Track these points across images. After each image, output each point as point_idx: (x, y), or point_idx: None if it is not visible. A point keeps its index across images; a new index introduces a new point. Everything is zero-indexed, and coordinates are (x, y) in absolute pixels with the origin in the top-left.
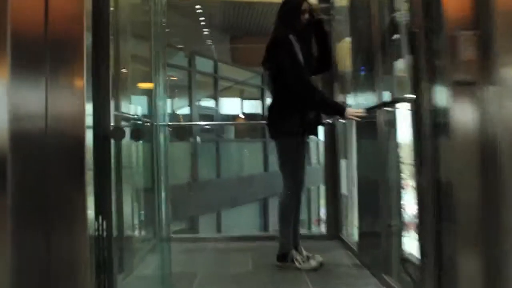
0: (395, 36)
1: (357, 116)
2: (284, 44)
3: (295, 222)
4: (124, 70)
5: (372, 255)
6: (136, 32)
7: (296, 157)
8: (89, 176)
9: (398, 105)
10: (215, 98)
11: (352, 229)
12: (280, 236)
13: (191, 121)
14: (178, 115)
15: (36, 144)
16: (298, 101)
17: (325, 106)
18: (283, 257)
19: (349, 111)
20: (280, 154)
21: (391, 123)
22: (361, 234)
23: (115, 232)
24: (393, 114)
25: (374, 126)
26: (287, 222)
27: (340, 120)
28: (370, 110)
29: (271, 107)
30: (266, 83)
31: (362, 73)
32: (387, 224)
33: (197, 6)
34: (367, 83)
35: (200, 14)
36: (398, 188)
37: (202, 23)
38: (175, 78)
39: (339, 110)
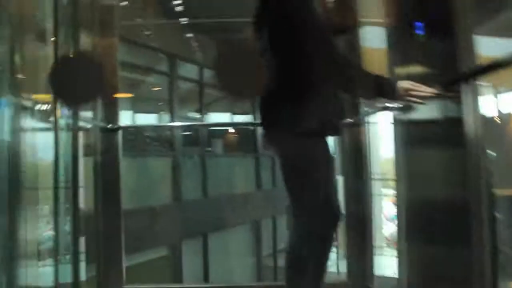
0: None
1: (421, 96)
2: None
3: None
4: None
5: None
6: None
7: (315, 174)
8: None
9: None
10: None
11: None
12: None
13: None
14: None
15: None
16: (317, 80)
17: (364, 82)
18: None
19: (404, 85)
20: (285, 171)
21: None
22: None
23: None
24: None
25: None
26: (298, 280)
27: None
28: (447, 86)
29: (267, 97)
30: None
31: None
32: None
33: None
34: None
35: None
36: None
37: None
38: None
39: (388, 86)
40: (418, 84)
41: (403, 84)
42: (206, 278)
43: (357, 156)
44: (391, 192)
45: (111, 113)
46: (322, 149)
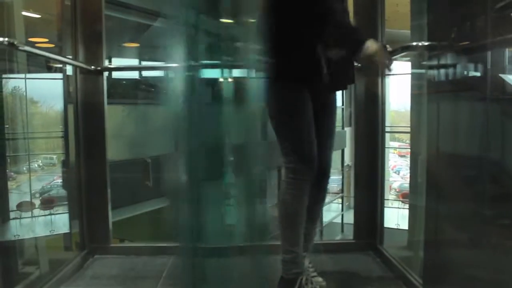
0: None
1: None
2: None
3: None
4: None
5: None
6: None
7: (288, 122)
8: None
9: None
10: None
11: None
12: (282, 250)
13: None
14: None
15: None
16: (298, 33)
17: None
18: (288, 285)
19: (371, 49)
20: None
21: None
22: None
23: None
24: None
25: None
26: (291, 228)
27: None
28: None
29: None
30: None
31: None
32: None
33: None
34: None
35: None
36: None
37: None
38: None
39: (353, 45)
40: (384, 52)
41: (371, 47)
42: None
43: (370, 108)
44: (397, 144)
45: (94, 54)
46: (296, 99)
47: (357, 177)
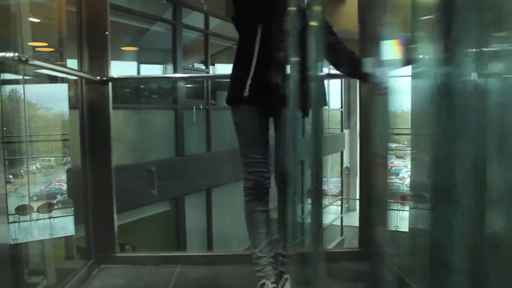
0: None
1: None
2: None
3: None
4: None
5: None
6: None
7: (239, 136)
8: None
9: None
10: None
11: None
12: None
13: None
14: None
15: None
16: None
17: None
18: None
19: None
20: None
21: None
22: None
23: None
24: None
25: None
26: (249, 232)
27: None
28: None
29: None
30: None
31: None
32: None
33: None
34: None
35: None
36: None
37: None
38: None
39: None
40: None
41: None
42: (209, 232)
43: (371, 110)
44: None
45: (100, 63)
46: (243, 116)
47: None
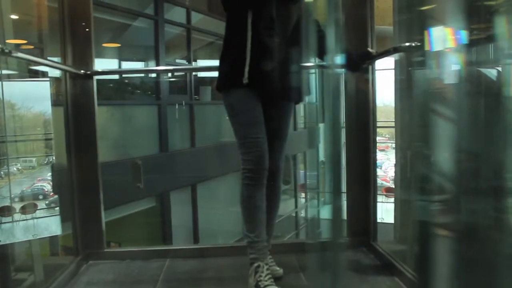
0: None
1: None
2: None
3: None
4: None
5: None
6: None
7: (232, 119)
8: None
9: None
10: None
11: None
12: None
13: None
14: None
15: None
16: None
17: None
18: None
19: None
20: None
21: None
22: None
23: None
24: None
25: None
26: (246, 215)
27: None
28: None
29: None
30: None
31: None
32: None
33: None
34: None
35: None
36: None
37: None
38: None
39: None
40: None
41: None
42: (195, 227)
43: (360, 104)
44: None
45: (83, 57)
46: (241, 97)
47: (349, 173)
